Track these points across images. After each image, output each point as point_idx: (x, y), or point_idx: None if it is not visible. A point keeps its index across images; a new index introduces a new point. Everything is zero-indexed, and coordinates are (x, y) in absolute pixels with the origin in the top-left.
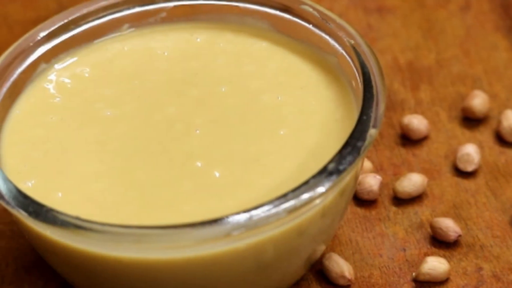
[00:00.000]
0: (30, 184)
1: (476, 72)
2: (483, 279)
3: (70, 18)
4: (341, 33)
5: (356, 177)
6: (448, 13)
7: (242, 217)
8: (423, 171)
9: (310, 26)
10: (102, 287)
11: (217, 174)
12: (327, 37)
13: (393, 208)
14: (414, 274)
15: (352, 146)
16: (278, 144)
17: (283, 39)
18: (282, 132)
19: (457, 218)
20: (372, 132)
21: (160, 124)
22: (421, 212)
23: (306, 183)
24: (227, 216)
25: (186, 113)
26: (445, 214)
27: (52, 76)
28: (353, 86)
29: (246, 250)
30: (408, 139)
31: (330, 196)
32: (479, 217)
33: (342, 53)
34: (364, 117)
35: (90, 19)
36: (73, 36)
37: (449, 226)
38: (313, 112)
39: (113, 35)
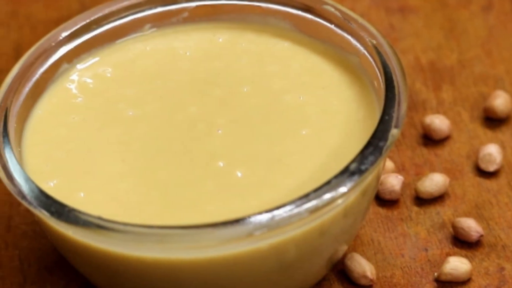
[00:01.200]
0: (52, 184)
1: (498, 72)
2: (505, 279)
3: (92, 18)
4: (363, 33)
5: (378, 177)
6: (470, 13)
7: (264, 217)
8: (445, 171)
9: (332, 26)
10: (124, 287)
11: (239, 174)
12: (349, 37)
13: (415, 208)
14: (436, 274)
15: (374, 146)
16: (300, 144)
17: (305, 39)
18: (304, 132)
19: (479, 218)
20: (394, 132)
21: (182, 124)
22: (443, 212)
23: (328, 183)
24: (249, 216)
25: (208, 113)
26: (467, 214)
27: (74, 76)
28: (375, 86)
29: (268, 250)
30: (430, 139)
31: (352, 196)
32: (501, 217)
33: (364, 53)
34: (386, 117)
35: (112, 19)
36: (95, 36)
37: (471, 226)
38: (335, 112)
39: (135, 35)
